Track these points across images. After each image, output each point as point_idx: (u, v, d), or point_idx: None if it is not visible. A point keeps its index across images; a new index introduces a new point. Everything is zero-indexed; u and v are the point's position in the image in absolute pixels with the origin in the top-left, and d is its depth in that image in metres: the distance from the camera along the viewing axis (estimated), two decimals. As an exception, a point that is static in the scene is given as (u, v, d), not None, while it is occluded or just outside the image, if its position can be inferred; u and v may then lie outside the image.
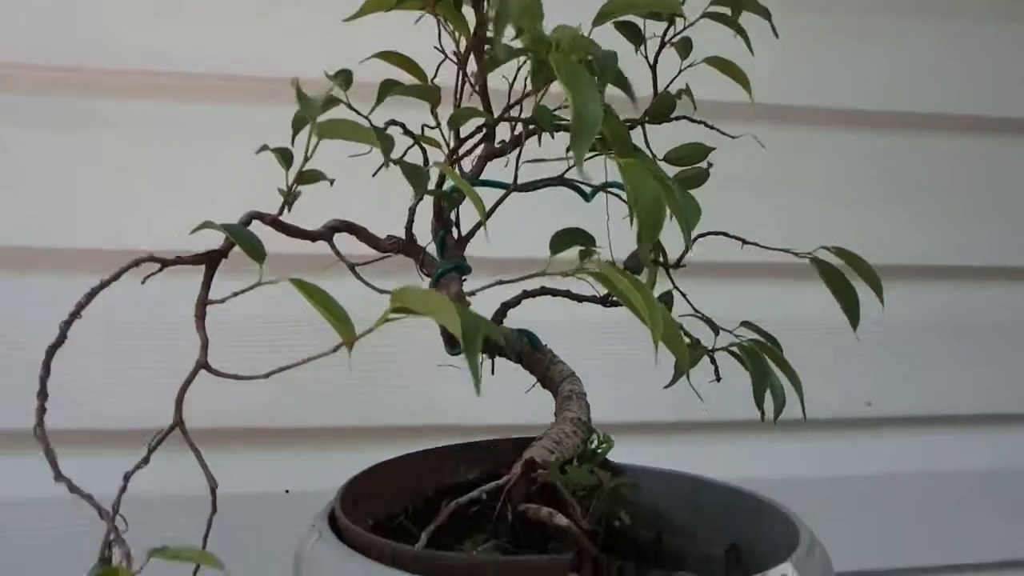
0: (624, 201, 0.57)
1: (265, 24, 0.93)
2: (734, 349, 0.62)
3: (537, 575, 0.43)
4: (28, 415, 0.45)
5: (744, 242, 0.67)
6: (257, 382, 0.45)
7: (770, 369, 0.61)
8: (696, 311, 0.66)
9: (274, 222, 0.57)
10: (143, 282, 0.48)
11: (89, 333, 0.51)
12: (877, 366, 1.09)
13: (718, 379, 0.63)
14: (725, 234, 0.67)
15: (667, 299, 0.65)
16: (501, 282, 0.57)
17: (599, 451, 0.61)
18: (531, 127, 0.62)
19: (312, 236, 0.60)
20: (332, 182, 0.54)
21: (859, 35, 1.09)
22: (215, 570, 0.39)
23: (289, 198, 0.54)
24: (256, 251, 0.49)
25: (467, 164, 0.64)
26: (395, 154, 0.57)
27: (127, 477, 0.46)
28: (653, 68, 0.64)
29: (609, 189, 0.64)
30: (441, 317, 0.40)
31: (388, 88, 0.60)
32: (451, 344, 0.63)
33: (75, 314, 0.46)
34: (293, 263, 0.53)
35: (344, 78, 0.55)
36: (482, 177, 0.63)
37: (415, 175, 0.54)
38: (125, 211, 0.90)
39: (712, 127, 0.66)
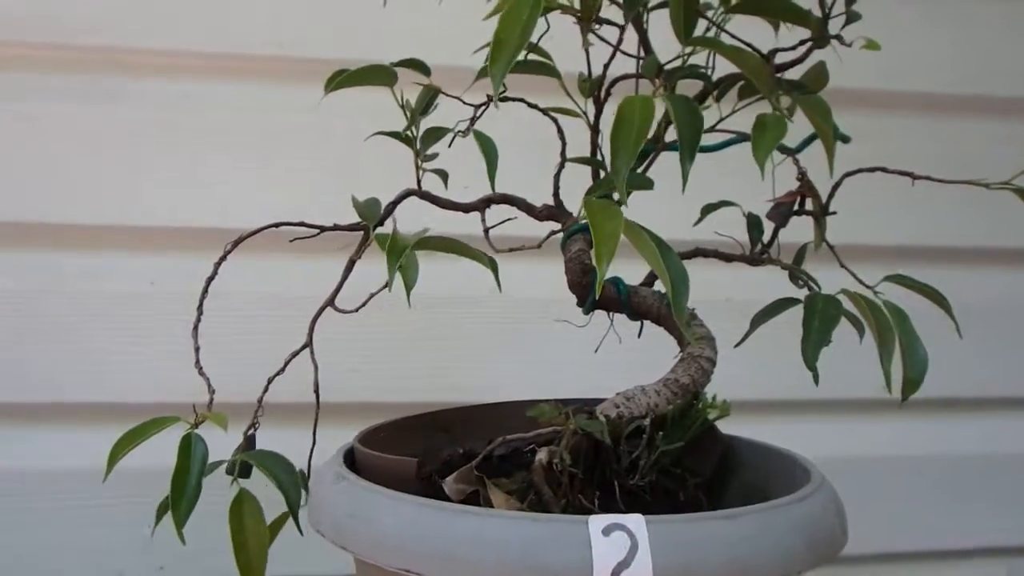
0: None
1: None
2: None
3: (395, 468, 0.49)
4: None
5: (914, 177, 0.56)
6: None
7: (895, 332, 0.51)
8: (842, 264, 0.58)
9: (428, 196, 0.68)
10: (291, 241, 0.64)
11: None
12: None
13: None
14: (884, 169, 0.57)
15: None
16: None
17: (701, 415, 0.59)
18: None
19: (466, 208, 0.69)
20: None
21: None
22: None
23: (421, 174, 0.65)
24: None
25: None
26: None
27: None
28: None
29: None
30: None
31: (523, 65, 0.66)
32: (583, 300, 0.66)
33: (206, 289, 0.61)
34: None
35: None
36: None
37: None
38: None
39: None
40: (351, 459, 0.57)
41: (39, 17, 0.90)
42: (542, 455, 0.50)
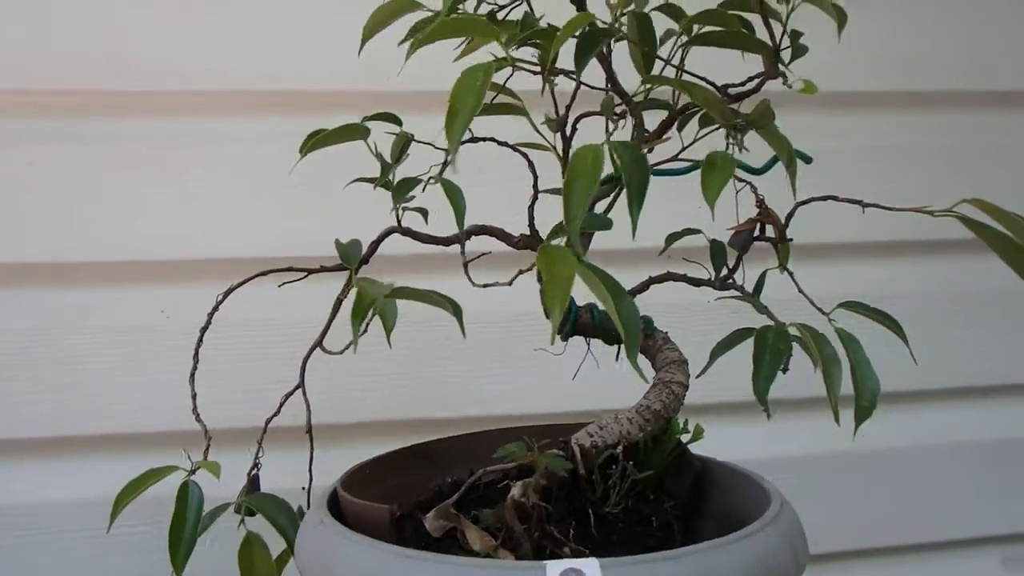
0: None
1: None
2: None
3: (369, 513, 0.53)
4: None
5: (864, 205, 0.58)
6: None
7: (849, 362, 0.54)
8: (800, 290, 0.60)
9: (409, 232, 0.71)
10: (280, 286, 0.68)
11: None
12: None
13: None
14: (835, 198, 0.59)
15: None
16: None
17: (673, 440, 0.62)
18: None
19: (446, 242, 0.72)
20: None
21: None
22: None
23: (400, 213, 0.68)
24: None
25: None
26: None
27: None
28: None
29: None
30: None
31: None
32: (560, 328, 0.69)
33: (209, 319, 0.65)
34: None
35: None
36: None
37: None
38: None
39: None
40: (336, 500, 0.60)
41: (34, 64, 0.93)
42: (515, 491, 0.53)
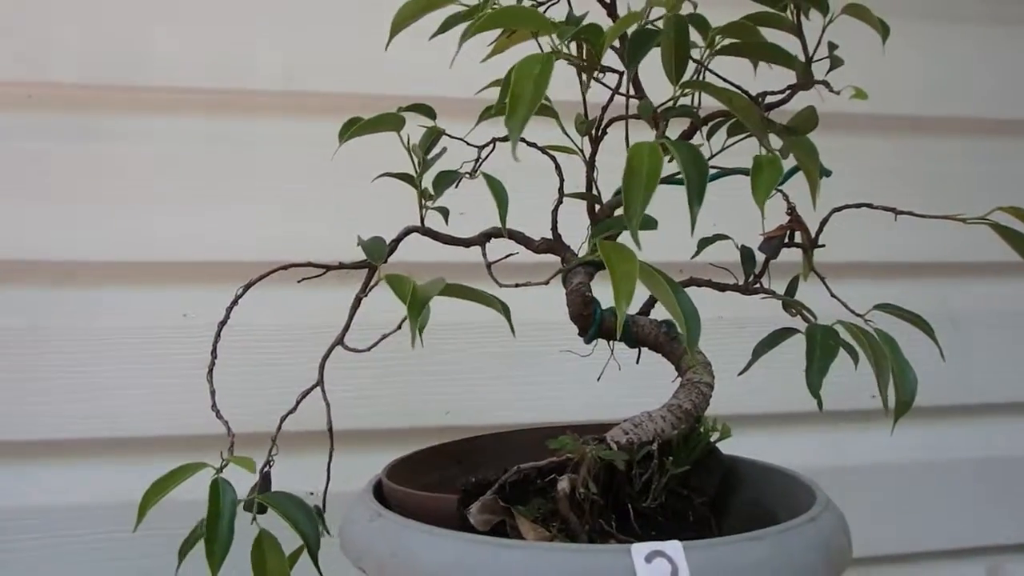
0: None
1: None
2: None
3: (434, 505, 0.51)
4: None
5: (897, 212, 0.60)
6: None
7: (888, 358, 0.55)
8: (833, 294, 0.62)
9: (430, 232, 0.70)
10: (299, 281, 0.66)
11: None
12: None
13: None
14: (870, 205, 0.61)
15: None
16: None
17: (704, 438, 0.62)
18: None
19: (467, 243, 0.71)
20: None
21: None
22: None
23: (424, 212, 0.67)
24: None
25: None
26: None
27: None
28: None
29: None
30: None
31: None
32: (584, 331, 0.69)
33: (227, 314, 0.63)
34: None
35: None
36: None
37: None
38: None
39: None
40: (380, 495, 0.59)
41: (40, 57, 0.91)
42: (564, 484, 0.53)
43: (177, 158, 0.94)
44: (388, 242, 0.69)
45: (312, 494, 0.61)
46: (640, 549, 0.42)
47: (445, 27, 0.65)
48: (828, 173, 0.65)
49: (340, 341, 0.64)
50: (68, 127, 0.91)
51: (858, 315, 0.58)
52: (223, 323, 0.63)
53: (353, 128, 0.60)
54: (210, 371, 0.62)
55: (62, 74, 0.91)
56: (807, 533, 0.48)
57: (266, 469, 0.63)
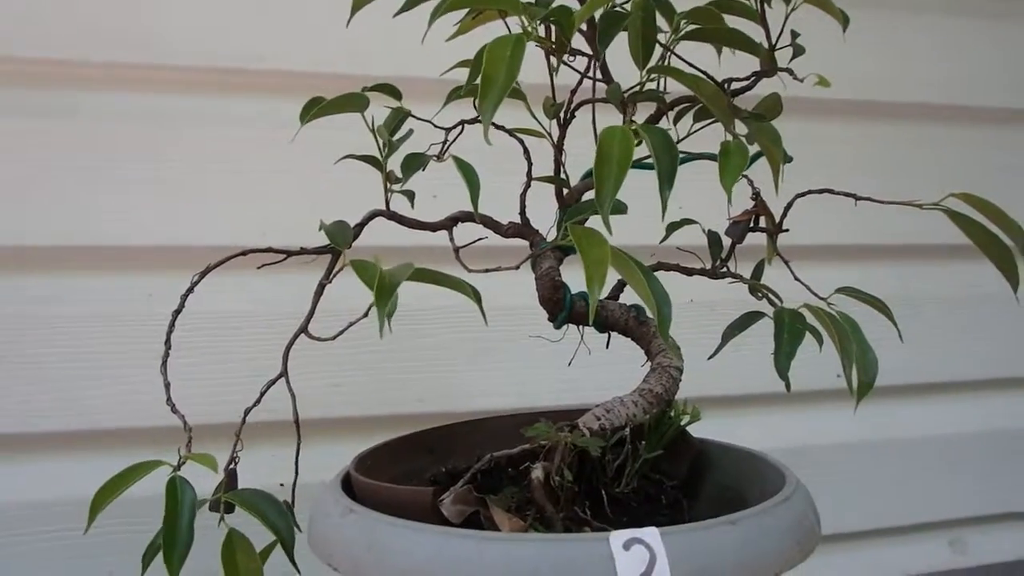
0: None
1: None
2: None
3: (409, 498, 0.51)
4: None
5: (857, 198, 0.61)
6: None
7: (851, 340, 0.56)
8: (796, 278, 0.62)
9: (395, 216, 0.69)
10: (259, 267, 0.64)
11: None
12: None
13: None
14: (831, 191, 0.62)
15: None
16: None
17: (674, 422, 0.62)
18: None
19: (433, 227, 0.70)
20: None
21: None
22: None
23: (389, 195, 0.66)
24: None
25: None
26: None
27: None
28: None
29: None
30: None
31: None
32: (553, 315, 0.69)
33: (182, 303, 0.60)
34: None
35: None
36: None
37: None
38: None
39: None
40: (348, 488, 0.58)
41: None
42: (538, 472, 0.52)
43: (139, 138, 0.90)
44: (352, 226, 0.68)
45: (283, 485, 0.60)
46: (618, 537, 0.42)
47: (409, 4, 0.63)
48: (789, 159, 0.66)
49: (304, 330, 0.63)
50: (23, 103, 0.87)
51: (821, 298, 0.59)
52: (178, 312, 0.61)
53: (315, 109, 0.58)
54: (164, 363, 0.60)
55: (19, 49, 0.88)
56: (780, 514, 0.48)
57: (232, 467, 0.61)
